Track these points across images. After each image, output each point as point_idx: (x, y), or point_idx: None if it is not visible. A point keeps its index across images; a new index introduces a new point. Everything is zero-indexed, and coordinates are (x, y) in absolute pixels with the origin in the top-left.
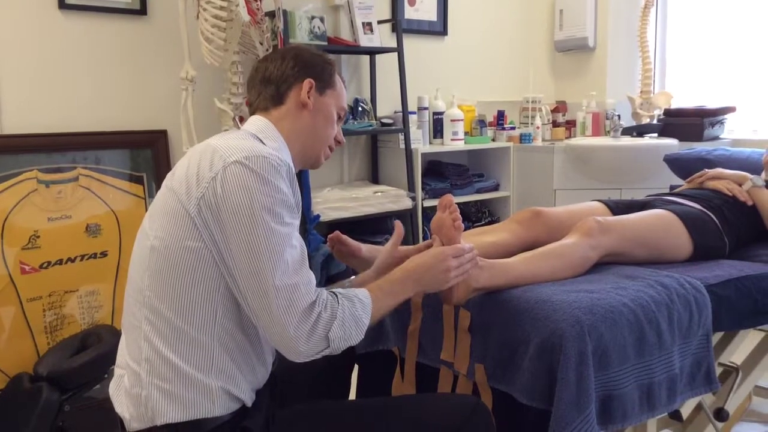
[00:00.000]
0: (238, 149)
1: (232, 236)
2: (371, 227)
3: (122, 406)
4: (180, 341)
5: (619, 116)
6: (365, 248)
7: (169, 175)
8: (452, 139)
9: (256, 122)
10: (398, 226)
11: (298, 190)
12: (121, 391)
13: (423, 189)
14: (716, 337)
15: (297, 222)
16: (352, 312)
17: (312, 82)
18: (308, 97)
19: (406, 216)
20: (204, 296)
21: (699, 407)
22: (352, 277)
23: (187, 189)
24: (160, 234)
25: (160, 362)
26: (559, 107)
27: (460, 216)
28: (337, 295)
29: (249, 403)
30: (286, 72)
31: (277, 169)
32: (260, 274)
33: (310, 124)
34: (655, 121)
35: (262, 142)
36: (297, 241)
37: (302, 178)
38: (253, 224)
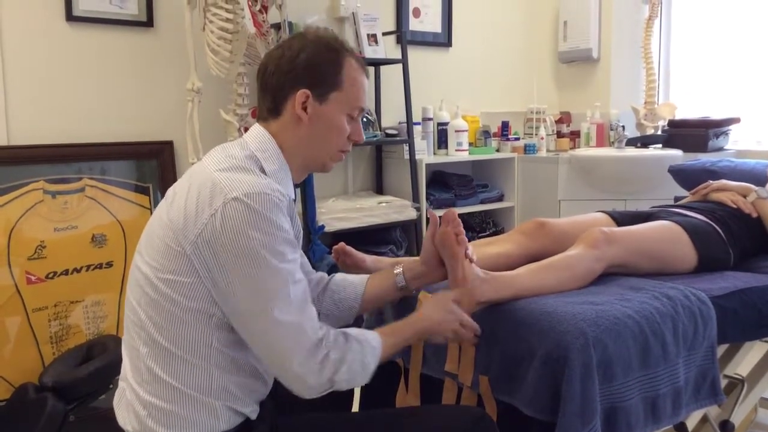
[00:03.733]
0: (238, 183)
1: (234, 276)
2: (376, 238)
3: (125, 421)
4: (178, 367)
5: (623, 127)
6: (369, 259)
7: (167, 200)
8: (456, 150)
9: (257, 136)
10: (433, 216)
11: (298, 221)
12: (123, 405)
13: (427, 199)
14: (721, 349)
15: (298, 255)
16: (362, 358)
17: (307, 92)
18: (304, 109)
19: (411, 226)
20: (198, 328)
21: (704, 419)
22: (397, 269)
23: (185, 223)
24: (153, 264)
25: (160, 385)
26: (564, 118)
27: (463, 230)
28: (348, 337)
29: (253, 416)
30: (281, 79)
31: (278, 206)
32: (264, 313)
33: (309, 135)
34: (659, 132)
35: (262, 167)
36: (300, 275)
37: (306, 188)
38: (256, 265)
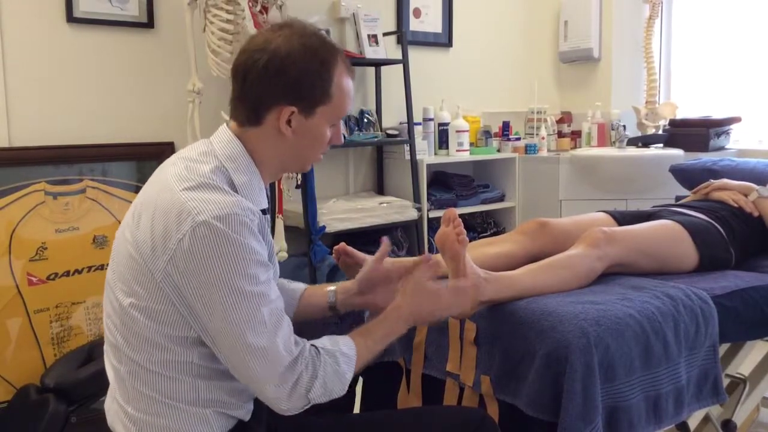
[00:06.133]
0: (206, 204)
1: (206, 301)
2: (377, 238)
3: (116, 428)
4: (162, 383)
5: (624, 127)
6: (371, 259)
7: (133, 219)
8: (457, 150)
9: (227, 145)
10: (384, 243)
11: (270, 236)
12: (112, 413)
13: (428, 200)
14: (723, 349)
15: (271, 273)
16: (335, 369)
17: (293, 109)
18: (289, 125)
19: (412, 227)
20: (176, 350)
21: (706, 419)
22: (332, 287)
23: (152, 249)
24: (124, 289)
25: (148, 402)
26: (565, 118)
27: (464, 230)
28: (319, 351)
29: (247, 417)
30: (265, 91)
31: (249, 227)
32: (239, 338)
33: (292, 147)
34: (660, 132)
35: (231, 180)
36: (273, 294)
37: (307, 188)
38: (228, 291)
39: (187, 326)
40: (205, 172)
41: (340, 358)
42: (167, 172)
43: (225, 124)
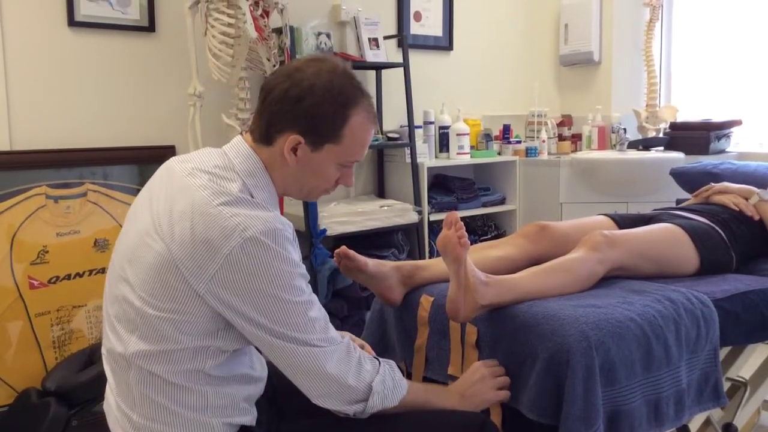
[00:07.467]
0: (250, 220)
1: (256, 313)
2: (377, 241)
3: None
4: (172, 391)
5: (624, 130)
6: (371, 263)
7: (159, 229)
8: (458, 153)
9: (246, 160)
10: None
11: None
12: (112, 419)
13: (429, 203)
14: (724, 352)
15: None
16: (392, 375)
17: (299, 139)
18: (293, 153)
19: (413, 230)
20: (195, 361)
21: (707, 422)
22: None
23: (194, 263)
24: (151, 300)
25: (155, 408)
26: (565, 121)
27: (465, 233)
28: (378, 359)
29: (253, 423)
30: (279, 115)
31: (291, 241)
32: (292, 341)
33: (294, 175)
34: (661, 135)
35: (252, 196)
36: (318, 303)
37: None
38: (277, 302)
39: (213, 337)
40: (236, 188)
41: (396, 372)
42: (190, 183)
43: (239, 136)
